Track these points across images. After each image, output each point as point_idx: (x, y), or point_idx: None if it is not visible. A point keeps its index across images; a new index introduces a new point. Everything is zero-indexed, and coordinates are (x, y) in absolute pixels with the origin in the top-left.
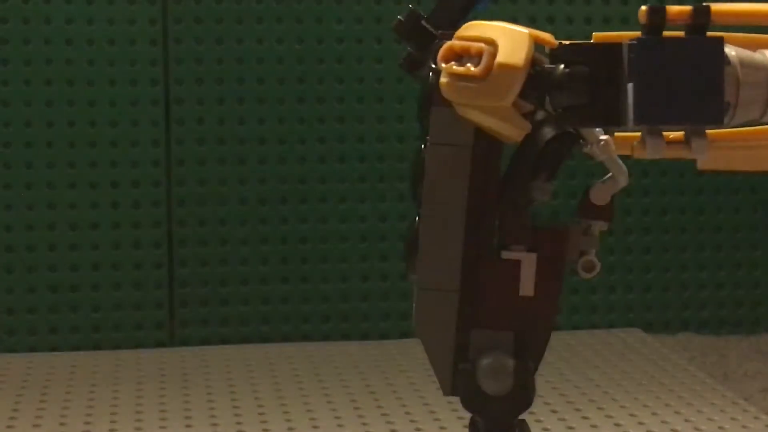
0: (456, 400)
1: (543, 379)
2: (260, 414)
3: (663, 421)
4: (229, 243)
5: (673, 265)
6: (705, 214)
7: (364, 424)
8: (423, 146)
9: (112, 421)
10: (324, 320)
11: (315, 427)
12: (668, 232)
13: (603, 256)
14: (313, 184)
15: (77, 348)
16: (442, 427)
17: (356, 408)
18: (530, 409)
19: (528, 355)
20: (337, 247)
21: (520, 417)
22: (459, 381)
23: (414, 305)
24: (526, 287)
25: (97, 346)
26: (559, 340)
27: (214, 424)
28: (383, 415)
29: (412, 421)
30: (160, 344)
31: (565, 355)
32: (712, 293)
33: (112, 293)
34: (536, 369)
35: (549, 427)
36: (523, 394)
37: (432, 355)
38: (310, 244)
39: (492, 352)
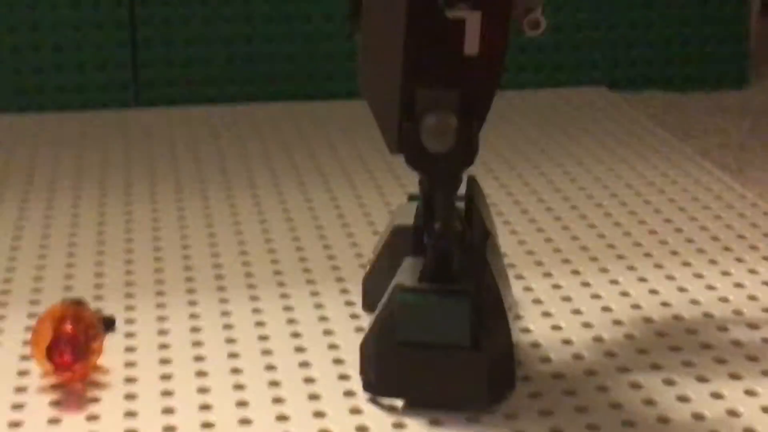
0: (398, 160)
1: (503, 137)
2: (223, 172)
3: (618, 176)
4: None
5: (640, 21)
6: None
7: (301, 183)
8: None
9: (77, 180)
10: (273, 80)
11: (276, 185)
12: None
13: (570, 14)
14: None
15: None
16: (381, 193)
17: (294, 167)
18: (489, 166)
19: (472, 113)
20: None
21: (471, 174)
22: (404, 139)
23: (360, 64)
24: (471, 45)
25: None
26: (522, 98)
27: (177, 182)
28: (321, 175)
29: (352, 187)
30: (124, 105)
31: (528, 113)
32: (678, 50)
33: (74, 53)
34: (480, 127)
35: (507, 183)
36: (465, 152)
37: (377, 114)
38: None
39: (436, 110)
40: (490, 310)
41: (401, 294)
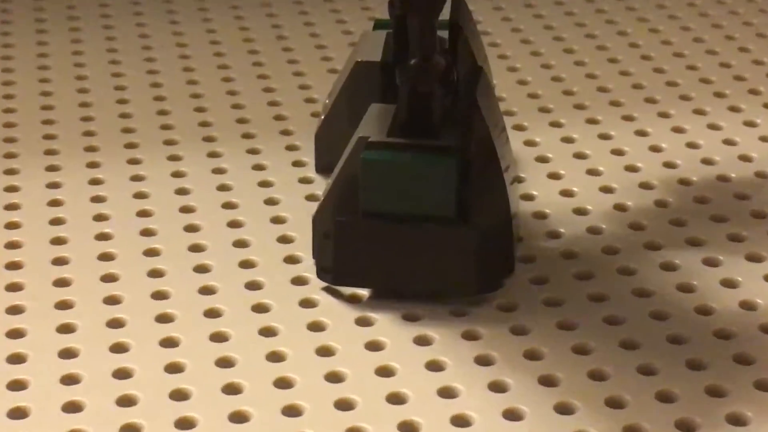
0: None
1: None
2: None
3: None
4: None
5: None
6: None
7: (232, 7)
8: None
9: None
10: None
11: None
12: None
13: None
14: None
15: None
16: (339, 20)
17: None
18: None
19: None
20: None
21: None
22: None
23: None
24: None
25: None
26: None
27: None
28: None
29: (300, 11)
30: None
31: None
32: None
33: None
34: None
35: (503, 4)
36: None
37: None
38: None
39: None
40: (481, 172)
41: (366, 151)
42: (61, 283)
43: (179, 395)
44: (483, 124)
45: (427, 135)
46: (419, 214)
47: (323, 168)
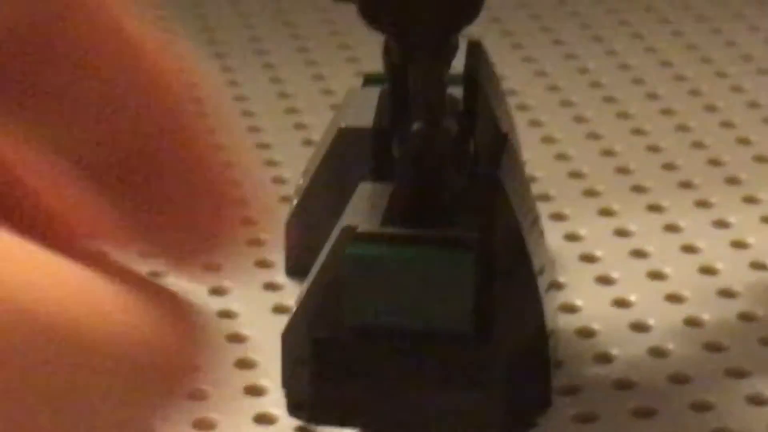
0: None
1: None
2: None
3: (713, 30)
4: None
5: None
6: None
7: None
8: None
9: None
10: None
11: None
12: None
13: None
14: None
15: None
16: (318, 74)
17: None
18: (504, 24)
19: None
20: None
21: (473, 37)
22: None
23: None
24: None
25: None
26: None
27: None
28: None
29: (266, 63)
30: None
31: None
32: None
33: None
34: None
35: (534, 54)
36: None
37: None
38: None
39: None
40: (508, 274)
41: (353, 245)
42: None
43: None
44: (509, 212)
45: (434, 224)
46: (425, 329)
47: (296, 269)
